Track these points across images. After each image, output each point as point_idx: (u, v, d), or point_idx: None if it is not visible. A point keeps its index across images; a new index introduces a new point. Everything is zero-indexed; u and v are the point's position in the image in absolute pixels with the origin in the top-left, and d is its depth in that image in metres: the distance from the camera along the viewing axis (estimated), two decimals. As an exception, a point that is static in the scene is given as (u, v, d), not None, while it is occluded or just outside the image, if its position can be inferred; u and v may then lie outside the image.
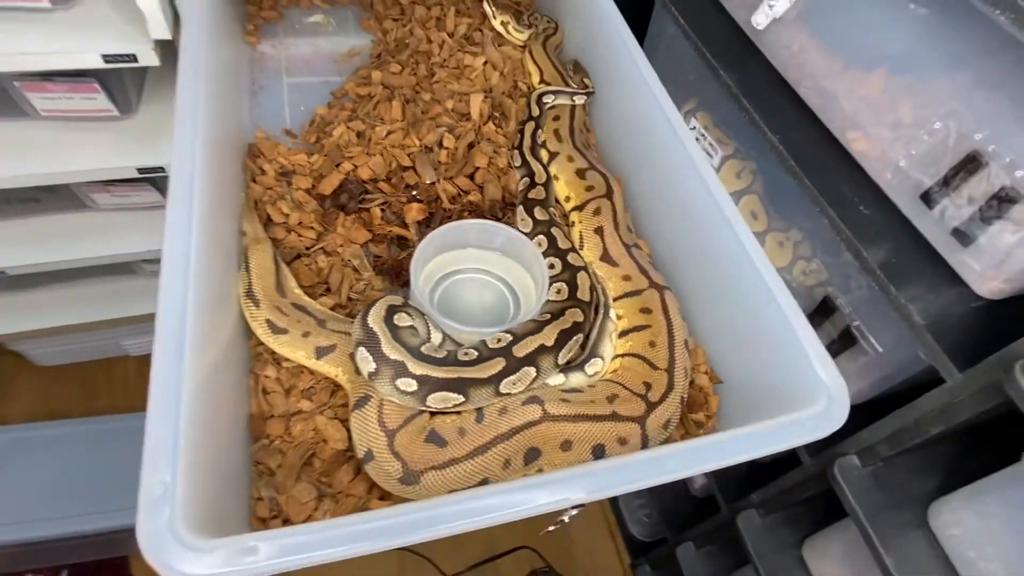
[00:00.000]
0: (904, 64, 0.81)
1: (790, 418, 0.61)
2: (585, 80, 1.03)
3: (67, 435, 1.43)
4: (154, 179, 1.29)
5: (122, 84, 1.15)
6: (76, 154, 1.14)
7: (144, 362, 1.72)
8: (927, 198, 0.69)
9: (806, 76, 0.87)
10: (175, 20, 0.99)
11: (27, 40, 0.94)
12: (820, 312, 0.87)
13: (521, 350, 0.66)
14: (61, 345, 1.61)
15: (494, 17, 1.09)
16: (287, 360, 0.71)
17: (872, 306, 0.85)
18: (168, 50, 1.02)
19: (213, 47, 0.82)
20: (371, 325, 0.63)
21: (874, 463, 0.75)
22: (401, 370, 0.60)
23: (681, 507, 1.35)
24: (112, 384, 1.67)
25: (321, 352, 0.68)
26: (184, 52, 0.78)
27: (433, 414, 0.64)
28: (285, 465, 0.64)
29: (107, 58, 0.96)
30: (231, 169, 0.82)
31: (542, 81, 1.04)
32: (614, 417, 0.65)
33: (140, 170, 1.16)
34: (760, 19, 0.89)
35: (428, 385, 0.61)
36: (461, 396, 0.62)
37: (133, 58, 0.97)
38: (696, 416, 0.76)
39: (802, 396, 0.64)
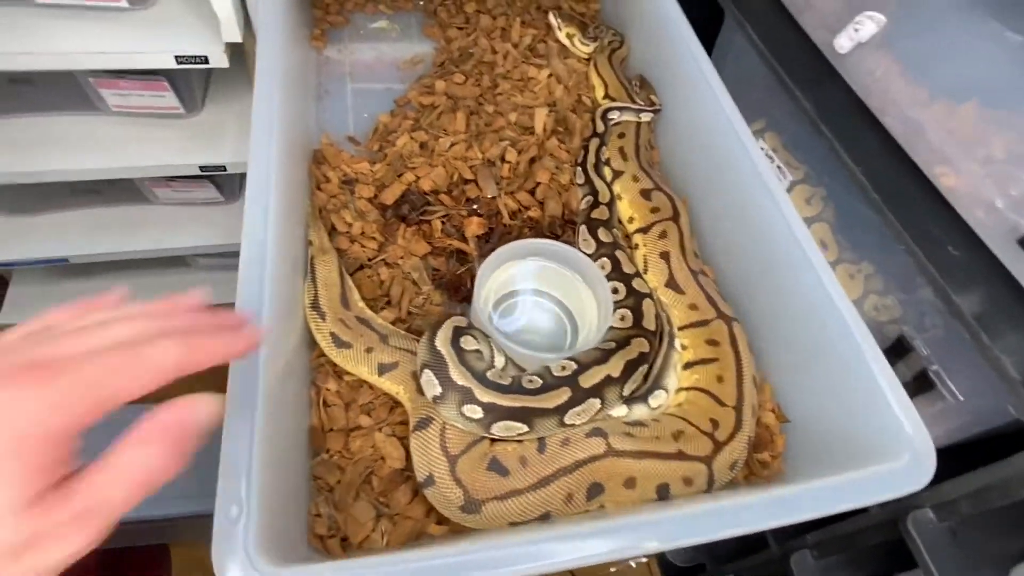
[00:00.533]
0: (998, 96, 0.76)
1: (872, 472, 0.58)
2: (652, 96, 1.01)
3: (115, 420, 1.46)
4: (214, 176, 1.31)
5: (189, 83, 1.17)
6: (142, 150, 1.16)
7: (191, 352, 1.75)
8: (1026, 243, 0.65)
9: (890, 104, 0.83)
10: (246, 23, 1.00)
11: (104, 39, 0.96)
12: (894, 352, 0.83)
13: (587, 380, 0.64)
14: (114, 331, 1.65)
15: (560, 29, 1.07)
16: (348, 374, 0.70)
17: (951, 348, 0.80)
18: (237, 52, 1.03)
19: (285, 52, 0.83)
20: (438, 347, 0.62)
21: (951, 520, 0.71)
22: (468, 396, 0.59)
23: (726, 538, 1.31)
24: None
25: (383, 368, 0.67)
26: (260, 57, 0.78)
27: (494, 441, 0.63)
28: (344, 482, 0.64)
29: (180, 59, 0.97)
30: (299, 174, 0.83)
31: (606, 96, 1.01)
32: (680, 456, 0.63)
33: (202, 168, 1.17)
34: (843, 42, 0.85)
35: (494, 413, 0.59)
36: (525, 426, 0.60)
37: (204, 60, 0.98)
38: (761, 456, 0.73)
39: (882, 447, 0.61)
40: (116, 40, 0.97)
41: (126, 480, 0.34)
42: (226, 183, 1.37)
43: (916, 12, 0.82)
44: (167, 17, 1.00)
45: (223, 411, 0.45)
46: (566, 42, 1.08)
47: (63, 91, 1.12)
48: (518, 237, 0.87)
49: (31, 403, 0.31)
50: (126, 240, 1.34)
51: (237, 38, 0.97)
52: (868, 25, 0.82)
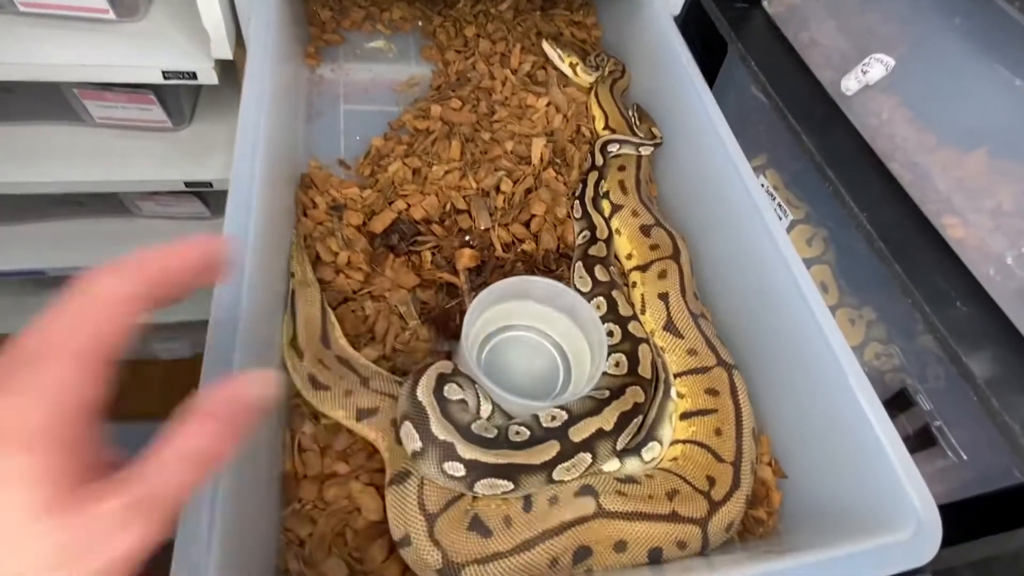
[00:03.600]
0: (1008, 145, 0.75)
1: (874, 545, 0.55)
2: (652, 129, 0.99)
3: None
4: (200, 192, 1.27)
5: (178, 97, 1.13)
6: (127, 163, 1.13)
7: (171, 367, 1.71)
8: (1038, 302, 0.63)
9: (897, 149, 0.81)
10: (237, 39, 0.97)
11: (90, 51, 0.93)
12: (896, 404, 0.80)
13: (577, 433, 0.61)
14: (92, 344, 1.60)
15: (561, 59, 1.05)
16: (325, 416, 0.66)
17: (954, 403, 0.78)
18: (227, 68, 1.00)
19: (276, 70, 0.79)
20: (419, 397, 0.58)
21: (954, 587, 0.68)
22: (450, 452, 0.55)
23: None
24: (137, 386, 1.65)
25: (362, 414, 0.63)
26: (249, 74, 0.75)
27: (475, 498, 0.59)
28: (316, 535, 0.60)
29: (167, 74, 0.94)
30: (285, 200, 0.79)
31: (606, 127, 0.99)
32: (674, 517, 0.60)
33: (188, 184, 1.14)
34: (851, 84, 0.83)
35: (477, 470, 0.56)
36: (511, 483, 0.57)
37: (192, 75, 0.95)
38: (756, 512, 0.69)
39: (885, 516, 0.58)
40: (102, 52, 0.93)
41: (180, 464, 0.31)
42: (213, 198, 1.33)
43: (925, 56, 0.80)
44: (156, 31, 0.97)
45: (279, 389, 0.42)
46: (568, 71, 1.05)
47: (46, 100, 1.08)
48: (511, 271, 0.84)
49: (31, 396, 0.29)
50: (106, 253, 1.28)
51: (227, 55, 0.94)
52: (876, 68, 0.81)
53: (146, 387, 1.67)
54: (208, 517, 0.45)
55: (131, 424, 1.54)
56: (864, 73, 0.81)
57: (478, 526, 0.56)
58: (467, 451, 0.55)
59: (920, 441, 0.77)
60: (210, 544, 0.44)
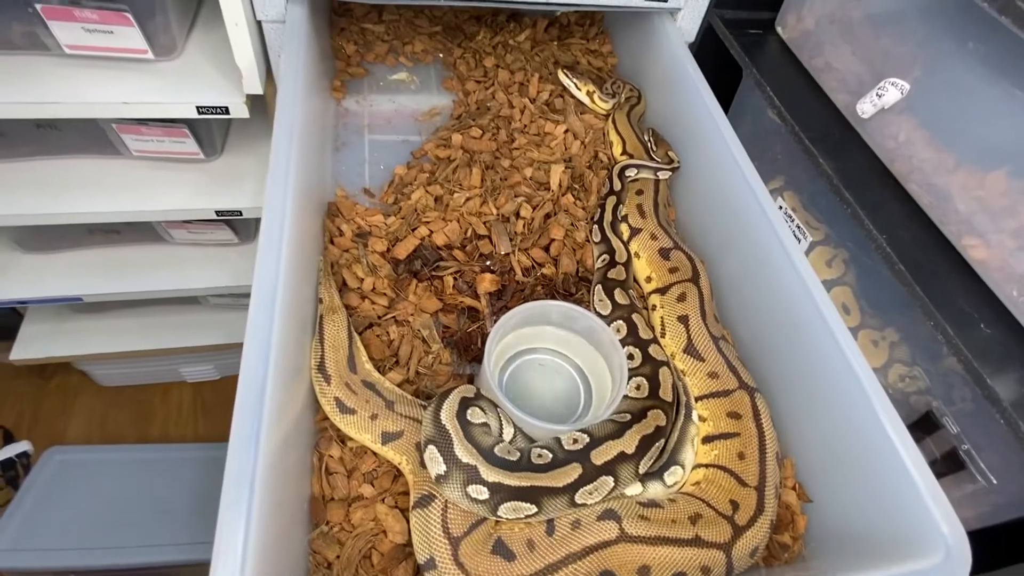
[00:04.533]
0: (1028, 165, 0.75)
1: (903, 571, 0.54)
2: (670, 153, 1.00)
3: (121, 460, 1.45)
4: (230, 220, 1.32)
5: (210, 130, 1.18)
6: (162, 193, 1.17)
7: (198, 389, 1.75)
8: (1064, 324, 0.62)
9: (915, 170, 0.82)
10: (267, 74, 1.01)
11: (129, 89, 0.98)
12: (922, 427, 0.79)
13: (599, 456, 0.62)
14: (124, 368, 1.65)
15: (578, 88, 1.08)
16: (351, 440, 0.68)
17: (982, 425, 0.77)
18: (256, 102, 1.04)
19: (305, 105, 0.83)
20: (443, 421, 0.60)
21: (987, 616, 0.66)
22: (473, 475, 0.57)
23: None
24: (167, 409, 1.70)
25: (387, 438, 0.65)
26: (280, 110, 0.78)
27: (498, 521, 0.60)
28: (343, 558, 0.61)
29: (201, 109, 0.98)
30: (312, 229, 0.82)
31: (624, 152, 1.01)
32: (697, 542, 0.60)
33: (219, 212, 1.18)
34: (866, 107, 0.84)
35: (500, 494, 0.57)
36: (534, 506, 0.58)
37: (225, 110, 0.99)
38: (781, 538, 0.69)
39: (913, 541, 0.57)
40: (140, 90, 0.98)
41: None
42: (241, 225, 1.38)
43: (940, 79, 0.81)
44: (190, 68, 1.02)
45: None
46: (585, 99, 1.08)
47: (86, 135, 1.14)
48: (531, 295, 0.85)
49: None
50: (141, 280, 1.34)
51: (258, 90, 0.98)
52: (891, 92, 0.81)
53: (173, 409, 1.71)
54: (243, 537, 0.46)
55: (159, 445, 1.56)
56: (879, 97, 0.82)
57: (502, 549, 0.57)
58: (490, 474, 0.57)
59: (948, 465, 0.76)
60: (244, 566, 0.46)
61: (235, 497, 0.49)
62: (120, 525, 1.34)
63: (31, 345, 1.46)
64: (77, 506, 1.35)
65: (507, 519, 0.58)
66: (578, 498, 0.59)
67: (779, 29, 1.08)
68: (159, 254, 1.38)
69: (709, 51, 1.17)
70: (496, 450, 0.60)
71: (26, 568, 1.26)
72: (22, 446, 1.52)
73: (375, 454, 0.68)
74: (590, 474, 0.60)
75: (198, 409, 1.69)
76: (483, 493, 0.56)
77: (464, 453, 0.57)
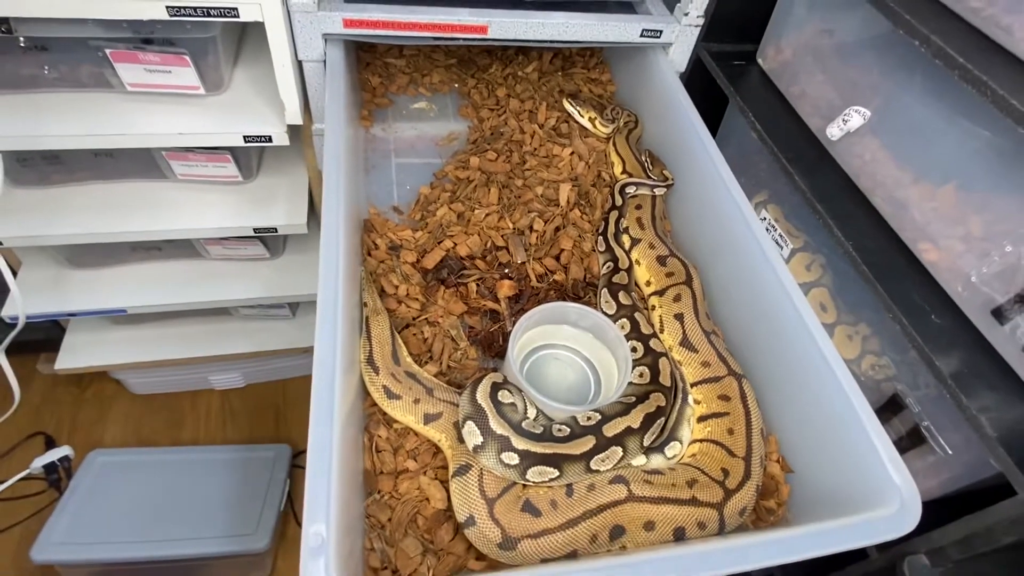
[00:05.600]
0: (974, 180, 0.87)
1: (864, 518, 0.65)
2: (664, 172, 1.12)
3: (158, 462, 1.55)
4: (264, 236, 1.43)
5: (248, 155, 1.31)
6: (204, 213, 1.29)
7: (225, 396, 1.86)
8: (999, 314, 0.74)
9: (878, 185, 0.94)
10: (305, 107, 1.13)
11: (183, 121, 1.10)
12: (889, 408, 0.90)
13: (610, 430, 0.73)
14: (156, 376, 1.76)
15: (581, 115, 1.20)
16: (396, 422, 0.79)
17: (941, 406, 0.88)
18: (293, 131, 1.16)
19: (346, 134, 0.95)
20: (479, 401, 0.71)
21: (944, 564, 0.77)
22: (506, 444, 0.68)
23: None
24: (196, 415, 1.80)
25: (428, 418, 0.76)
26: (328, 142, 0.89)
27: (526, 485, 0.71)
28: (394, 520, 0.72)
29: (247, 138, 1.11)
30: (354, 242, 0.94)
31: (624, 171, 1.13)
32: (694, 502, 0.71)
33: (256, 230, 1.30)
34: (834, 131, 0.97)
35: (528, 460, 0.68)
36: (556, 471, 0.69)
37: (268, 139, 1.11)
38: (767, 503, 0.80)
39: (874, 496, 0.68)
40: (192, 121, 1.11)
41: None
42: (272, 241, 1.50)
43: (897, 105, 0.94)
44: (238, 101, 1.15)
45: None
46: (588, 125, 1.21)
47: (137, 161, 1.26)
48: (545, 298, 0.97)
49: None
50: (180, 293, 1.46)
51: (298, 121, 1.11)
52: (855, 117, 0.94)
53: (202, 415, 1.82)
54: (327, 492, 0.57)
55: (191, 447, 1.69)
56: (845, 122, 0.95)
57: (530, 508, 0.68)
58: (520, 443, 0.68)
59: (911, 440, 0.87)
60: (328, 522, 0.56)
61: (319, 463, 0.60)
62: (159, 521, 1.44)
63: (74, 355, 1.57)
64: (119, 503, 1.45)
65: (534, 482, 0.69)
66: (593, 464, 0.71)
67: (760, 60, 1.21)
68: (196, 269, 1.50)
69: (698, 80, 1.30)
70: (523, 424, 0.71)
71: (75, 561, 1.35)
72: (64, 451, 1.62)
73: (416, 434, 0.79)
74: (602, 444, 0.71)
75: (226, 414, 1.80)
76: (514, 459, 0.68)
77: (498, 426, 0.69)
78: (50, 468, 1.60)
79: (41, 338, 1.67)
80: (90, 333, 1.62)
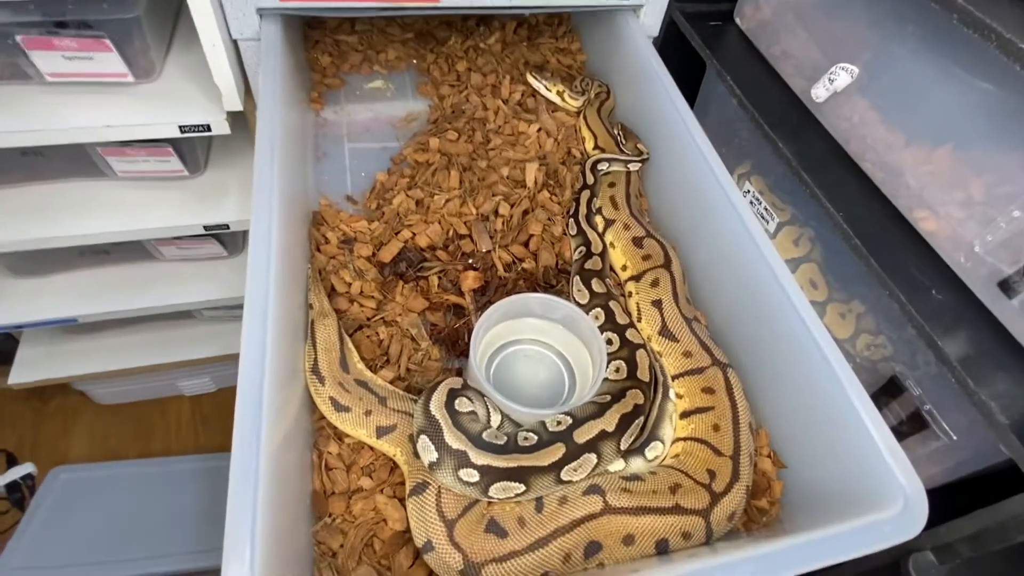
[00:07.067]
0: (972, 139, 0.79)
1: (865, 522, 0.59)
2: (639, 146, 1.04)
3: (125, 476, 1.48)
4: (218, 234, 1.34)
5: (193, 147, 1.21)
6: (149, 212, 1.20)
7: (196, 402, 1.78)
8: (1006, 287, 0.67)
9: (868, 149, 0.86)
10: (246, 91, 1.04)
11: (112, 112, 1.01)
12: (887, 391, 0.84)
13: (582, 435, 0.66)
14: (121, 385, 1.67)
15: (548, 89, 1.11)
16: (348, 436, 0.72)
17: (943, 387, 0.81)
18: (237, 118, 1.07)
19: (285, 117, 0.86)
20: (433, 412, 0.63)
21: (952, 561, 0.71)
22: (463, 460, 0.60)
23: None
24: (167, 423, 1.72)
25: (381, 431, 0.68)
26: (260, 124, 0.81)
27: (490, 503, 0.64)
28: (347, 546, 0.65)
29: (183, 128, 1.01)
30: (298, 238, 0.85)
31: (596, 147, 1.05)
32: (677, 510, 0.64)
33: (206, 227, 1.21)
34: (820, 92, 0.89)
35: (490, 475, 0.61)
36: (523, 485, 0.62)
37: (207, 128, 1.02)
38: (759, 503, 0.73)
39: (875, 494, 0.62)
40: (123, 113, 1.01)
41: None
42: (229, 239, 1.41)
43: (886, 61, 0.85)
44: (170, 88, 1.05)
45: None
46: (556, 99, 1.12)
47: (71, 160, 1.16)
48: (513, 288, 0.89)
49: None
50: (134, 298, 1.37)
51: (238, 107, 1.01)
52: (842, 76, 0.86)
53: (173, 423, 1.74)
54: (249, 536, 0.50)
55: (161, 459, 1.60)
56: (831, 81, 0.87)
57: (494, 528, 0.61)
58: (479, 457, 0.60)
59: (912, 425, 0.81)
60: (253, 563, 0.49)
61: (241, 496, 0.52)
62: (128, 538, 1.37)
63: (28, 369, 1.48)
64: (84, 523, 1.38)
65: (498, 499, 0.62)
66: (564, 475, 0.63)
67: (738, 20, 1.13)
68: (150, 271, 1.41)
69: (673, 44, 1.22)
70: (484, 435, 0.64)
71: (39, 586, 1.29)
72: (26, 468, 1.54)
73: (371, 448, 0.71)
74: (574, 452, 0.64)
75: (197, 421, 1.72)
76: (473, 476, 0.60)
77: (454, 440, 0.61)
78: (12, 487, 1.52)
79: (-7, 351, 1.58)
80: (45, 344, 1.53)
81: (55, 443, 1.66)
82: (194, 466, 1.51)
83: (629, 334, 0.80)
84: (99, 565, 1.31)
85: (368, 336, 0.82)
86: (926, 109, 0.83)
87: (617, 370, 0.76)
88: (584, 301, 0.85)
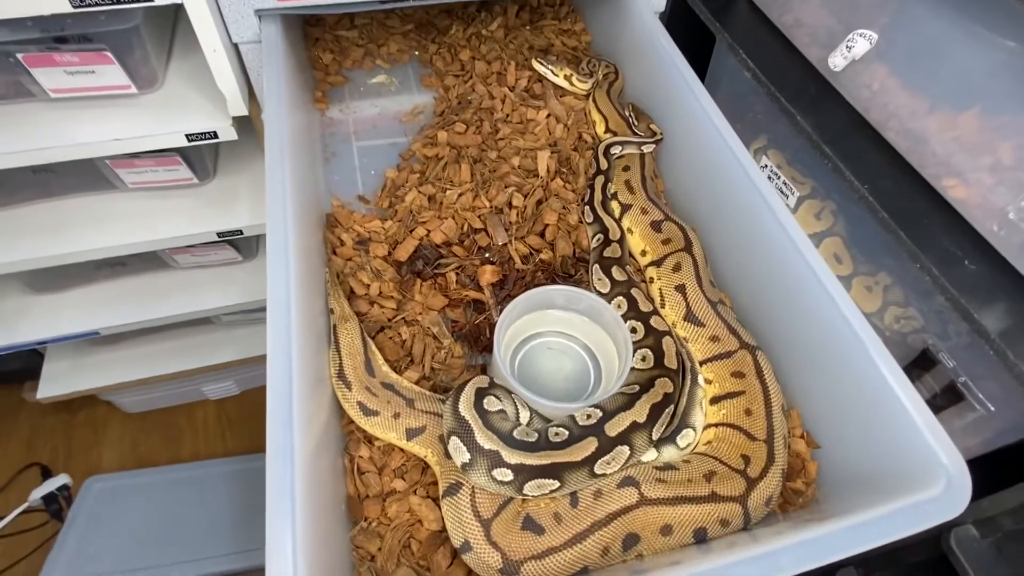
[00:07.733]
0: (1000, 101, 0.76)
1: (909, 502, 0.58)
2: (652, 126, 1.02)
3: (158, 482, 1.50)
4: (232, 239, 1.34)
5: (201, 154, 1.20)
6: (162, 222, 1.20)
7: (221, 406, 1.79)
8: (1043, 253, 0.65)
9: (891, 117, 0.83)
10: (250, 95, 1.03)
11: (117, 125, 1.00)
12: (920, 364, 0.82)
13: (613, 428, 0.65)
14: (148, 393, 1.69)
15: (554, 74, 1.09)
16: (378, 439, 0.72)
17: (978, 357, 0.79)
18: (243, 122, 1.06)
19: (291, 120, 0.85)
20: (462, 413, 0.63)
21: (995, 535, 0.70)
22: (496, 460, 0.60)
23: None
24: (194, 428, 1.74)
25: (411, 434, 0.68)
26: (268, 128, 0.80)
27: (524, 500, 0.64)
28: (384, 549, 0.65)
29: (190, 136, 1.01)
30: (314, 242, 0.85)
31: (607, 130, 1.03)
32: (714, 498, 0.63)
33: (220, 234, 1.21)
34: (837, 61, 0.86)
35: (523, 474, 0.60)
36: (557, 481, 0.61)
37: (214, 135, 1.01)
38: (794, 484, 0.72)
39: (916, 473, 0.61)
40: (129, 125, 1.01)
41: None
42: (243, 243, 1.41)
43: (906, 24, 0.82)
44: (175, 97, 1.04)
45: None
46: (563, 83, 1.09)
47: (82, 174, 1.16)
48: (532, 280, 0.88)
49: None
50: (152, 307, 1.38)
51: (243, 112, 1.00)
52: (860, 43, 0.83)
53: (200, 427, 1.76)
54: (291, 551, 0.50)
55: (192, 463, 1.61)
56: (849, 49, 0.84)
57: (531, 525, 0.61)
58: (512, 456, 0.60)
59: (947, 398, 0.79)
60: (296, 568, 0.49)
61: (279, 506, 0.52)
62: (166, 543, 1.39)
63: (55, 382, 1.50)
64: (122, 530, 1.41)
65: (533, 496, 0.62)
66: (597, 469, 0.63)
67: (747, -11, 1.09)
68: (167, 280, 1.42)
69: (679, 19, 1.18)
70: (515, 434, 0.63)
71: (82, 594, 1.32)
72: (61, 479, 1.57)
73: (402, 450, 0.71)
74: (606, 445, 0.64)
75: (224, 424, 1.74)
76: (507, 475, 0.60)
77: (485, 440, 0.61)
78: (49, 499, 1.55)
79: (20, 367, 1.60)
80: (70, 358, 1.55)
81: (87, 454, 1.69)
82: (224, 469, 1.52)
83: (654, 321, 0.78)
84: (141, 571, 1.34)
85: (390, 337, 0.81)
86: (949, 72, 0.80)
87: (644, 359, 0.75)
88: (605, 290, 0.83)
